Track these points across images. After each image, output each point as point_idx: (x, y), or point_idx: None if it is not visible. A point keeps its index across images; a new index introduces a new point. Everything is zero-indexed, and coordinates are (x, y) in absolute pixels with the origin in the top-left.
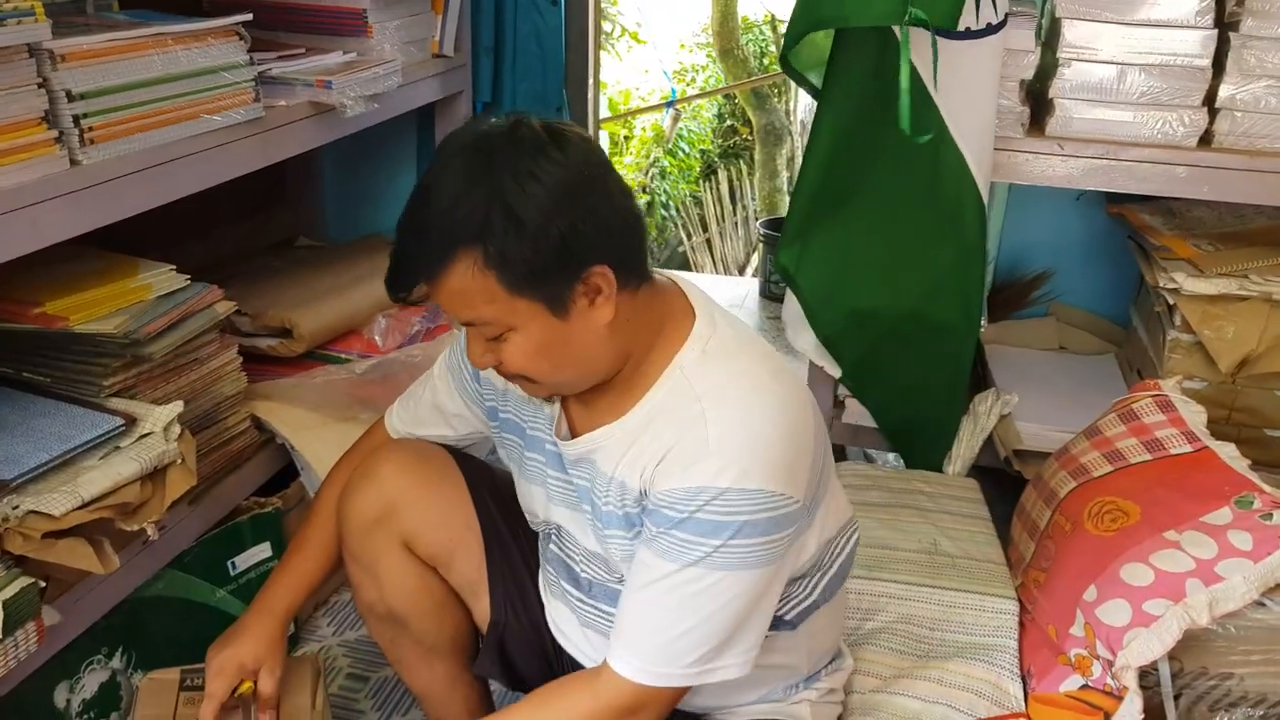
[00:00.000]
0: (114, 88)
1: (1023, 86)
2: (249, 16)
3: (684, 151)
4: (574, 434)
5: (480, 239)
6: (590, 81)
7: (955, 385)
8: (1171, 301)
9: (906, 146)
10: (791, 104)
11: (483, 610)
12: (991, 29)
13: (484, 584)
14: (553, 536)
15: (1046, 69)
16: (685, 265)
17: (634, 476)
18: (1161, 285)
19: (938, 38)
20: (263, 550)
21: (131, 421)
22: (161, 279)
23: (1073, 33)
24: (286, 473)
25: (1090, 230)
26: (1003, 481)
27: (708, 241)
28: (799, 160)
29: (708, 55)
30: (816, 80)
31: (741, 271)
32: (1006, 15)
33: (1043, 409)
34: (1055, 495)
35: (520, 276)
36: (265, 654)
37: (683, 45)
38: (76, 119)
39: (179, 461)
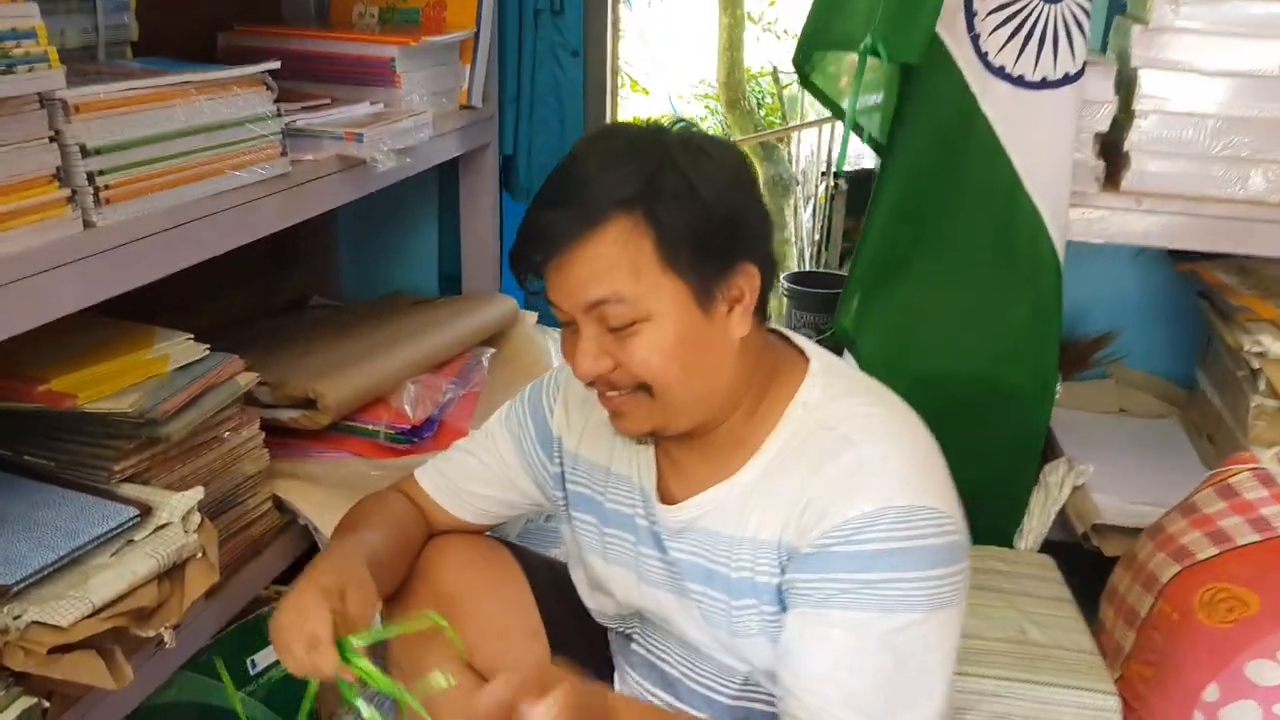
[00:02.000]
0: (133, 142)
1: (1097, 140)
2: (277, 65)
3: None
4: (670, 503)
5: (644, 198)
6: None
7: (1027, 455)
8: (1256, 366)
9: (978, 201)
10: (793, 152)
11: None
12: (1069, 79)
13: None
14: (634, 633)
15: (1120, 122)
16: None
17: (771, 531)
18: (1246, 349)
19: (1016, 89)
20: None
21: (146, 511)
22: (179, 349)
23: (1150, 83)
24: (307, 557)
25: (1149, 288)
26: (1073, 557)
27: None
28: (801, 211)
29: (705, 107)
30: (835, 96)
31: None
32: (1085, 64)
33: (1114, 479)
34: (1156, 580)
35: (680, 245)
36: (348, 575)
37: (680, 96)
38: (91, 176)
39: (199, 555)
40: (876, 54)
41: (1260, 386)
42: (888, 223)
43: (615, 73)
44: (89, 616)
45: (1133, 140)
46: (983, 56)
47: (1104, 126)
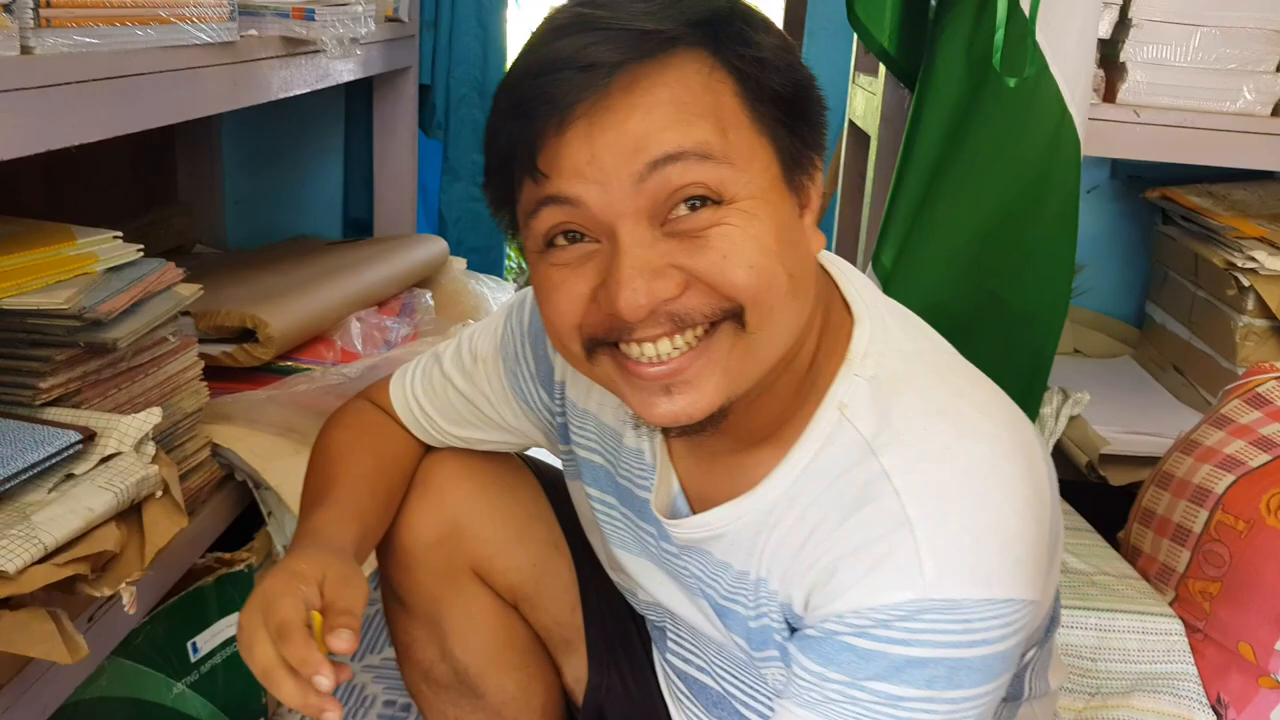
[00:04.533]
0: None
1: (1098, 48)
2: None
3: None
4: (688, 499)
5: (716, 34)
6: None
7: (1037, 380)
8: (1247, 283)
9: (1015, 105)
10: None
11: (577, 667)
12: None
13: (578, 628)
14: (668, 631)
15: (1117, 32)
16: None
17: (781, 579)
18: (1239, 266)
19: None
20: (231, 624)
21: (89, 437)
22: (108, 248)
23: None
24: (246, 521)
25: (1100, 227)
26: (1067, 492)
27: None
28: None
29: None
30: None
31: None
32: None
33: (1102, 413)
34: (1208, 493)
35: (765, 101)
36: (327, 562)
37: None
38: None
39: (158, 494)
40: None
41: (1248, 306)
42: (928, 146)
43: None
44: (40, 561)
45: (1128, 50)
46: None
47: (1106, 32)
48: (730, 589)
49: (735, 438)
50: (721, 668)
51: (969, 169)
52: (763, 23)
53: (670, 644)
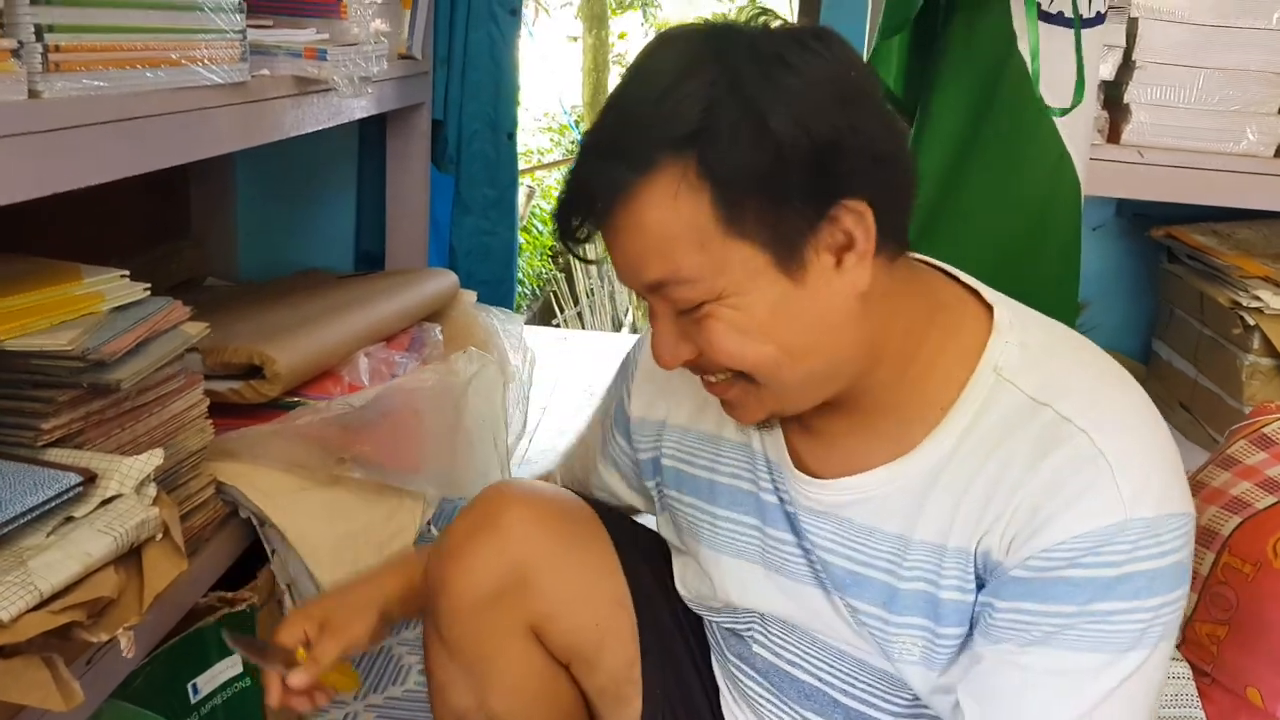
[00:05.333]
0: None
1: (1101, 90)
2: None
3: (538, 230)
4: (809, 474)
5: (696, 138)
6: None
7: None
8: (1252, 322)
9: (1010, 148)
10: None
11: (628, 718)
12: (1099, 18)
13: (635, 683)
14: (755, 632)
15: (1122, 74)
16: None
17: (963, 535)
18: (1244, 305)
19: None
20: (232, 665)
21: (90, 479)
22: (113, 287)
23: (1149, 33)
24: (249, 559)
25: (1106, 264)
26: None
27: (579, 315)
28: None
29: (550, 139)
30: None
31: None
32: (1109, 8)
33: None
34: (1215, 535)
35: (746, 200)
36: (340, 616)
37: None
38: (40, 32)
39: (159, 536)
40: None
41: (1254, 345)
42: (929, 179)
43: None
44: (36, 608)
45: (1133, 92)
46: None
47: (1110, 74)
48: (870, 555)
49: (852, 421)
50: (817, 658)
51: (969, 210)
52: (774, 77)
53: (757, 642)
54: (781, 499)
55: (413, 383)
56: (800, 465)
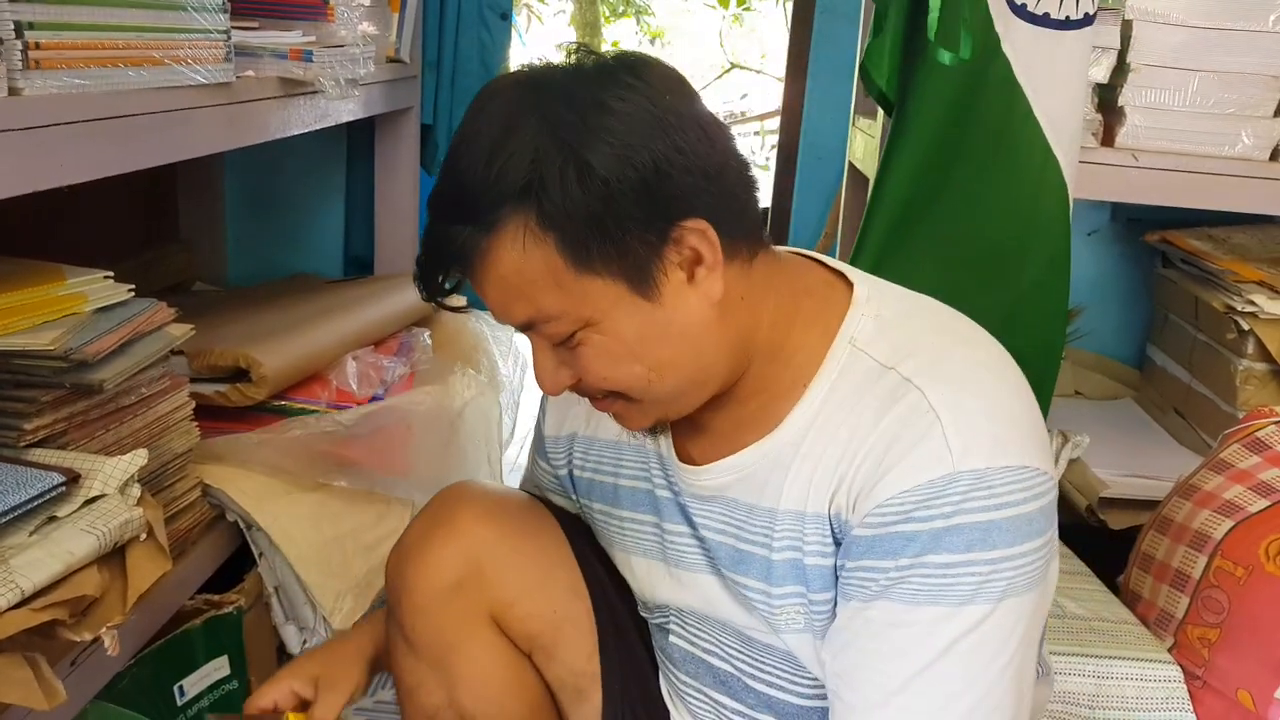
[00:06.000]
0: None
1: (1095, 92)
2: None
3: None
4: (695, 463)
5: (530, 191)
6: None
7: None
8: (1247, 327)
9: (995, 151)
10: None
11: (588, 715)
12: (1088, 19)
13: (594, 678)
14: (671, 623)
15: (1116, 76)
16: None
17: (819, 500)
18: (1238, 309)
19: (1038, 28)
20: (219, 667)
21: (74, 479)
22: (96, 288)
23: (1143, 36)
24: (236, 563)
25: (1101, 269)
26: (1065, 536)
27: None
28: None
29: None
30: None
31: None
32: (1098, 9)
33: (1101, 456)
34: (1207, 538)
35: (589, 240)
36: (334, 670)
37: None
38: (20, 29)
39: (143, 536)
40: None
41: (1248, 350)
42: (903, 179)
43: None
44: (17, 605)
45: (1127, 95)
46: None
47: (1103, 77)
48: (750, 532)
49: (728, 409)
50: (727, 644)
51: (951, 212)
52: (590, 121)
53: (674, 633)
54: (674, 491)
55: (404, 402)
56: (685, 457)
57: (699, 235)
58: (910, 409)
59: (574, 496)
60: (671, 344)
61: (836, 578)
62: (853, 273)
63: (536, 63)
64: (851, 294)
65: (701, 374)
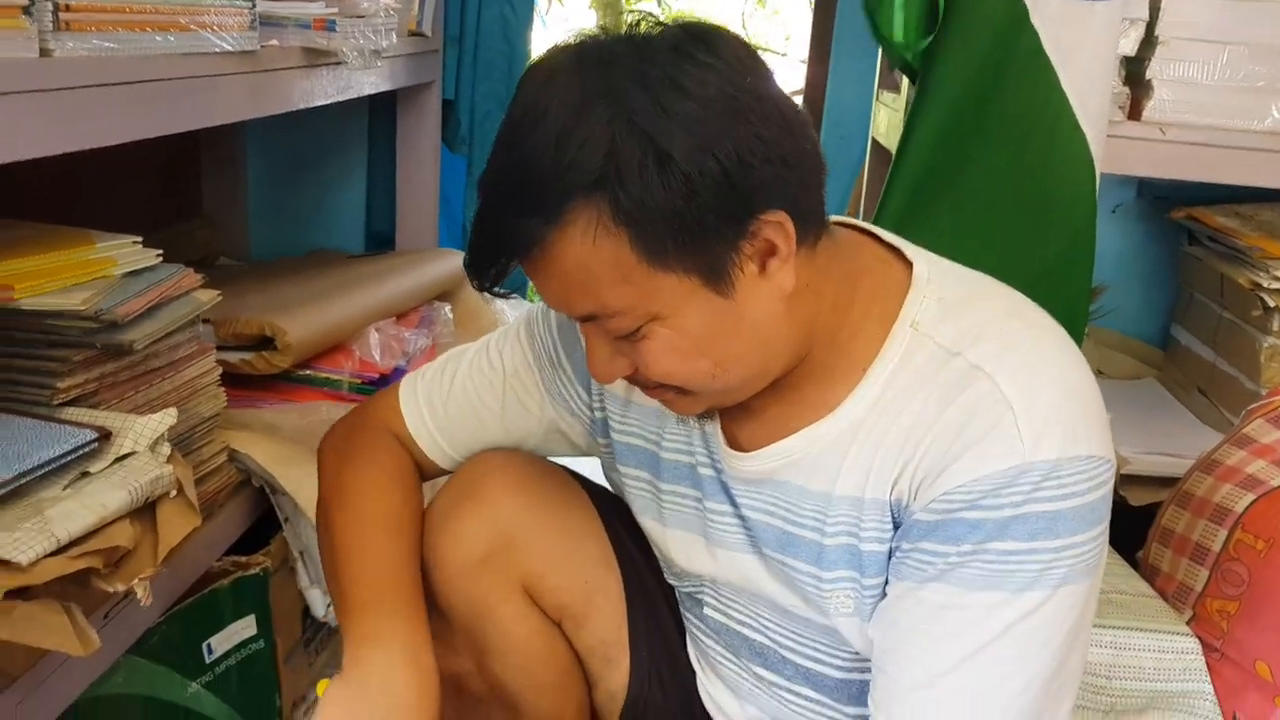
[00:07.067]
0: None
1: (1122, 65)
2: None
3: None
4: (740, 450)
5: (605, 183)
6: None
7: None
8: (1273, 304)
9: (1021, 122)
10: None
11: (615, 682)
12: None
13: (623, 646)
14: (706, 595)
15: (1144, 49)
16: None
17: (879, 487)
18: (1264, 286)
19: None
20: (246, 627)
21: (105, 436)
22: (125, 253)
23: (1172, 7)
24: (262, 527)
25: (1125, 246)
26: None
27: None
28: None
29: None
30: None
31: None
32: None
33: (1124, 433)
34: (1228, 512)
35: (666, 236)
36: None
37: None
38: None
39: (173, 493)
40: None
41: (1274, 327)
42: (924, 149)
43: None
44: (54, 553)
45: (1155, 67)
46: None
47: (1131, 50)
48: (801, 516)
49: (780, 393)
50: (765, 618)
51: (972, 184)
52: (668, 105)
53: (708, 604)
54: (717, 470)
55: None
56: (733, 440)
57: (776, 227)
58: (980, 397)
59: (599, 439)
60: (741, 339)
61: (873, 564)
62: (908, 248)
63: (594, 32)
64: (909, 272)
65: (765, 366)
